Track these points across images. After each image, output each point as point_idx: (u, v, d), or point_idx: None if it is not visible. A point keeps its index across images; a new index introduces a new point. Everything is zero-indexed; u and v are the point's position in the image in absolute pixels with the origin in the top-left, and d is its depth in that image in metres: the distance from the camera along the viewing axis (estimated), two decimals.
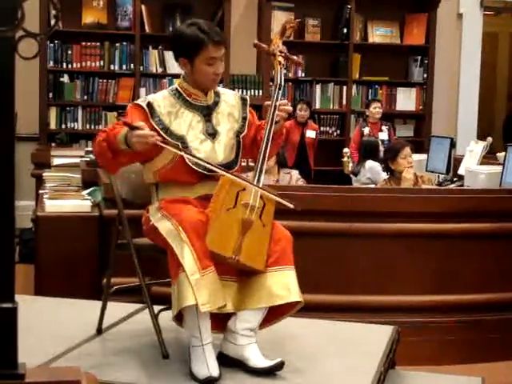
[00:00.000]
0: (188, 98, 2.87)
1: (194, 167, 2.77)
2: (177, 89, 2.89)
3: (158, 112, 2.80)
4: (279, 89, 2.90)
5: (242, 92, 7.03)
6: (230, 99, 2.97)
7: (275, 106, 2.85)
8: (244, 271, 2.71)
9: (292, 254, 2.76)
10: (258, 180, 2.75)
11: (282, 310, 2.76)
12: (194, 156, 2.76)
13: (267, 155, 2.80)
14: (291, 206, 2.73)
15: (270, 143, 2.81)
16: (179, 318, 2.70)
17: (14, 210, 1.80)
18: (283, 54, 3.02)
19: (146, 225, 2.87)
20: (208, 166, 2.74)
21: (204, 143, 2.83)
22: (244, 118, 2.96)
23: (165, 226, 2.68)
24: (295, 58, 3.09)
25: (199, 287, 2.54)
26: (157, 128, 2.77)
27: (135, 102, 2.89)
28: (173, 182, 2.83)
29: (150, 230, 2.84)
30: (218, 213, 2.66)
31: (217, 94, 2.95)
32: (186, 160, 2.76)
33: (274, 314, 2.78)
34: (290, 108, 2.92)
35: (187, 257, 2.57)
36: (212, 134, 2.86)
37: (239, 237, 2.65)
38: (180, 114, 2.84)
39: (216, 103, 2.92)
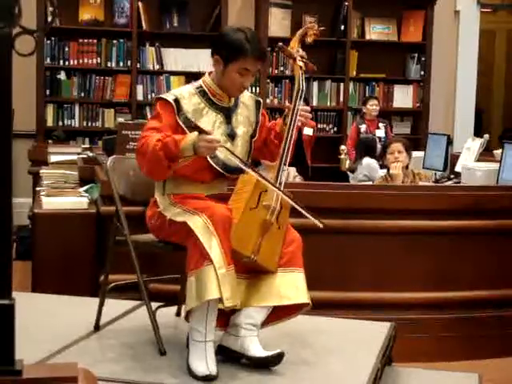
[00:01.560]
0: (212, 98, 2.84)
1: (215, 166, 2.77)
2: (201, 86, 2.86)
3: (184, 109, 2.77)
4: (301, 94, 2.89)
5: None
6: (246, 101, 2.95)
7: (297, 109, 2.84)
8: (253, 270, 2.72)
9: (302, 257, 2.77)
10: (280, 183, 2.76)
11: (289, 310, 2.77)
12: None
13: (288, 158, 2.79)
14: (320, 225, 2.72)
15: (291, 146, 2.80)
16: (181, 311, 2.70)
17: (12, 207, 1.80)
18: (304, 60, 3.01)
19: (155, 219, 2.83)
20: (247, 168, 2.71)
21: (225, 145, 2.81)
22: (257, 123, 2.95)
23: (192, 219, 2.63)
24: (311, 64, 3.05)
25: (224, 282, 2.54)
26: (182, 125, 2.75)
27: (161, 96, 2.84)
28: (184, 177, 2.80)
29: (160, 225, 2.81)
30: (242, 212, 2.66)
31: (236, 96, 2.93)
32: (211, 162, 2.75)
33: (280, 313, 2.79)
34: (309, 115, 2.90)
35: (215, 250, 2.55)
36: (232, 136, 2.86)
37: (259, 237, 2.66)
38: (205, 114, 2.82)
39: (236, 105, 2.91)
